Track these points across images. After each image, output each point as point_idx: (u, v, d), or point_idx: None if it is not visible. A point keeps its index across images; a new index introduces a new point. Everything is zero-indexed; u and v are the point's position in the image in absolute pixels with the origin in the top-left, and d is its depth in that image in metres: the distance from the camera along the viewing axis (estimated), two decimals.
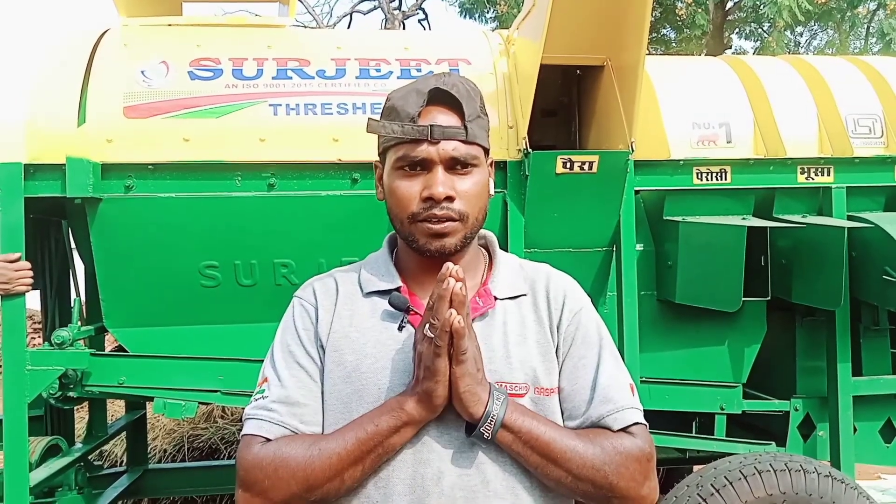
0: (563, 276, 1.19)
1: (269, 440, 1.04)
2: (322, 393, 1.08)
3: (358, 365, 1.06)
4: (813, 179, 2.68)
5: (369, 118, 1.09)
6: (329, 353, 1.09)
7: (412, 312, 1.07)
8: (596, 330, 1.13)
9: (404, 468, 1.02)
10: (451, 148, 1.05)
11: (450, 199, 1.05)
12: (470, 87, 1.10)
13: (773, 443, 2.67)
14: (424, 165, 1.06)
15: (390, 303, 1.08)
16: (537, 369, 1.07)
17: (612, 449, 1.03)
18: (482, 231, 1.19)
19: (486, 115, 1.13)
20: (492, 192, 1.15)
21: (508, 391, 1.04)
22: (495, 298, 1.11)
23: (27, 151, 2.29)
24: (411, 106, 1.06)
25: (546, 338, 1.10)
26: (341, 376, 1.07)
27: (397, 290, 1.10)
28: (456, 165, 1.06)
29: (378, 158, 1.15)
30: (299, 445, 1.03)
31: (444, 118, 1.06)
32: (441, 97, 1.06)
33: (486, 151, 1.12)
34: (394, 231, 1.15)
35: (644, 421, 1.09)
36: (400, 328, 1.07)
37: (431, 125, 1.05)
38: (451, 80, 1.08)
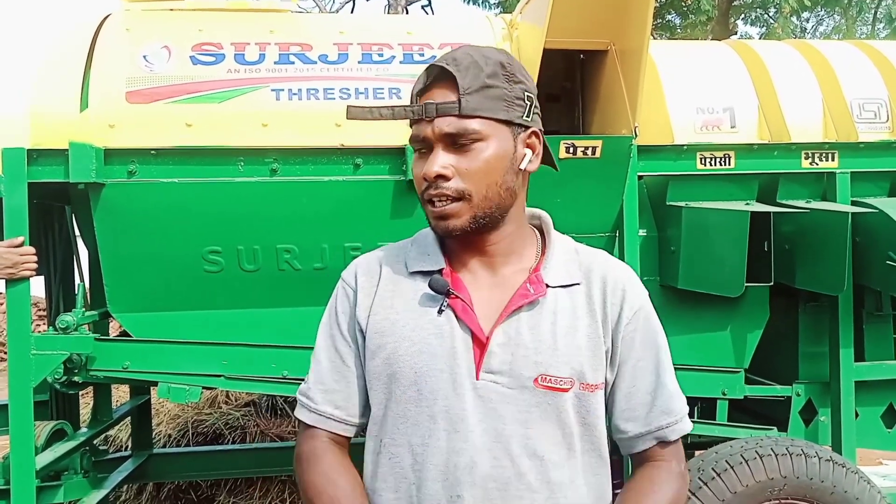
0: (622, 267, 1.13)
1: (311, 427, 1.13)
2: (365, 375, 1.10)
3: (396, 348, 1.06)
4: (817, 164, 2.67)
5: (349, 105, 1.07)
6: (370, 336, 1.09)
7: (452, 296, 1.05)
8: (654, 329, 1.10)
9: (438, 455, 1.02)
10: (445, 125, 1.01)
11: (443, 178, 1.02)
12: (481, 57, 1.03)
13: (775, 428, 2.68)
14: (427, 145, 1.04)
15: (430, 286, 1.06)
16: (584, 364, 1.04)
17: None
18: (534, 210, 1.15)
19: (511, 82, 1.04)
20: (528, 166, 1.07)
21: (553, 385, 1.02)
22: (546, 286, 1.06)
23: (30, 137, 2.29)
24: (416, 87, 1.06)
25: (597, 332, 1.06)
26: (383, 359, 1.07)
27: (439, 271, 1.08)
28: (455, 142, 1.02)
29: None
30: (318, 476, 1.09)
31: (440, 95, 1.03)
32: (440, 74, 1.03)
33: (508, 123, 1.04)
34: None
35: (691, 424, 1.13)
36: (440, 311, 1.05)
37: (425, 103, 1.02)
38: (455, 53, 1.05)
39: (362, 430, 1.14)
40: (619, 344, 1.07)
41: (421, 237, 1.15)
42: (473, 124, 1.02)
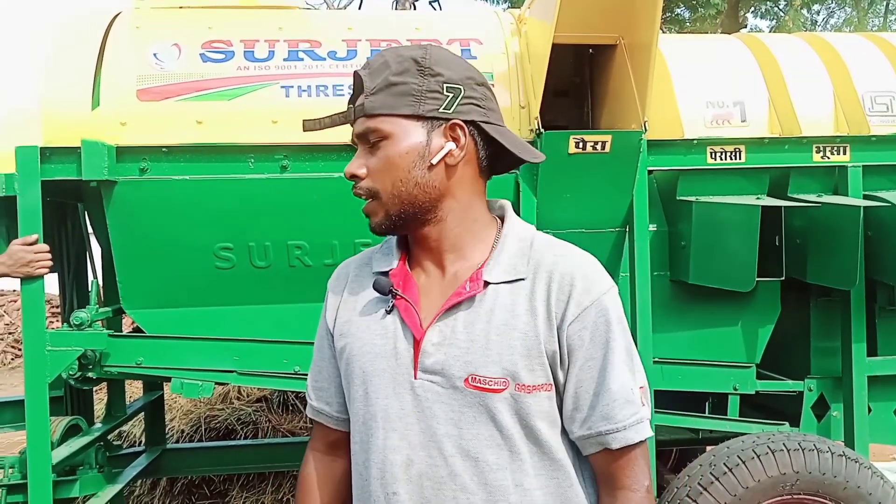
0: (578, 259, 1.06)
1: (313, 420, 1.21)
2: (339, 374, 1.14)
3: (351, 349, 1.08)
4: (828, 158, 2.65)
5: (304, 119, 1.10)
6: (336, 338, 1.13)
7: (398, 297, 1.05)
8: (606, 327, 1.02)
9: (378, 453, 1.04)
10: (357, 126, 1.05)
11: (356, 177, 1.06)
12: (393, 57, 1.03)
13: (787, 423, 2.67)
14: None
15: (374, 287, 1.07)
16: (518, 364, 0.99)
17: None
18: (499, 201, 1.12)
19: (426, 76, 1.01)
20: (441, 157, 1.02)
21: (484, 386, 0.99)
22: (486, 283, 1.03)
23: (43, 135, 2.31)
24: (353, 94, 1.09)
25: (535, 330, 1.00)
26: (345, 360, 1.10)
27: (388, 272, 1.08)
28: (367, 142, 1.04)
29: None
30: (307, 479, 1.21)
31: (358, 98, 1.05)
32: (356, 79, 1.06)
33: (417, 117, 1.01)
34: None
35: (646, 433, 1.03)
36: (386, 312, 1.06)
37: (347, 109, 1.06)
38: (374, 57, 1.07)
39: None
40: (564, 343, 1.01)
41: (390, 238, 1.14)
42: (376, 123, 1.02)
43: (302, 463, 1.23)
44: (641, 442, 1.03)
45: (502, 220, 1.11)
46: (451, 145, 1.03)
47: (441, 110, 1.02)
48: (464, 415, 1.01)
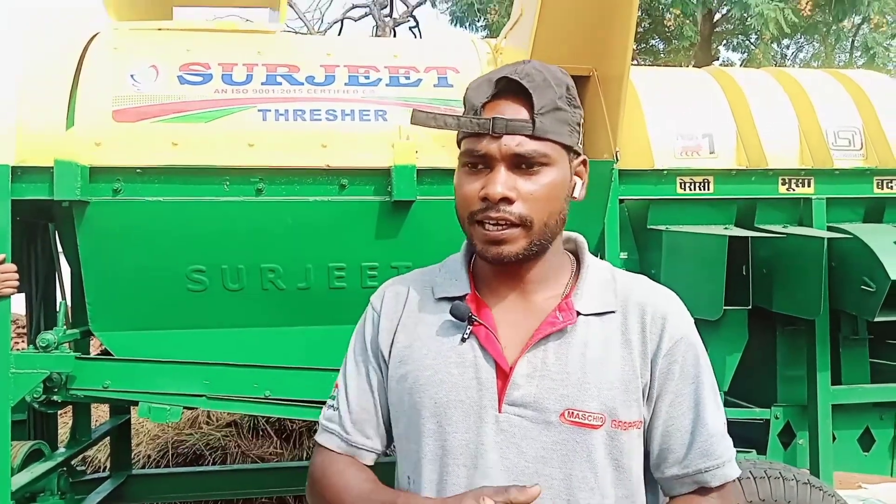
0: (663, 293, 1.04)
1: (333, 451, 1.08)
2: (387, 403, 1.06)
3: (417, 377, 1.01)
4: (794, 190, 2.73)
5: (414, 109, 1.01)
6: (392, 365, 1.04)
7: (476, 324, 0.98)
8: (695, 362, 1.00)
9: (458, 491, 0.95)
10: (514, 144, 0.94)
11: (508, 200, 0.94)
12: (551, 76, 0.97)
13: (754, 450, 2.70)
14: (486, 162, 0.96)
15: (451, 312, 1.00)
16: (616, 399, 0.95)
17: None
18: (570, 234, 1.09)
19: (574, 107, 0.99)
20: (578, 194, 1.02)
21: (581, 421, 0.94)
22: (577, 314, 0.98)
23: (15, 154, 2.29)
24: (479, 96, 0.97)
25: (632, 364, 0.97)
26: (405, 388, 1.02)
27: (463, 297, 1.02)
28: (521, 164, 0.95)
29: None
30: (342, 479, 1.04)
31: (510, 110, 0.95)
32: (510, 87, 0.96)
33: (568, 149, 0.99)
34: None
35: (738, 469, 1.02)
36: (463, 339, 0.99)
37: (494, 117, 0.94)
38: (526, 68, 0.97)
39: (385, 455, 1.11)
40: (656, 377, 0.98)
41: (450, 262, 1.09)
42: (545, 147, 0.95)
43: (324, 479, 1.06)
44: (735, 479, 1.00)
45: (571, 253, 1.09)
46: (578, 180, 1.03)
47: (578, 144, 1.01)
48: (556, 452, 0.95)
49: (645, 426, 0.99)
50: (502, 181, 0.94)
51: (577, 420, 0.94)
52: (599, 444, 0.95)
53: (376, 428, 1.07)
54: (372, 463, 1.08)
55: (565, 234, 1.08)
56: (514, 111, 0.95)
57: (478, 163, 0.97)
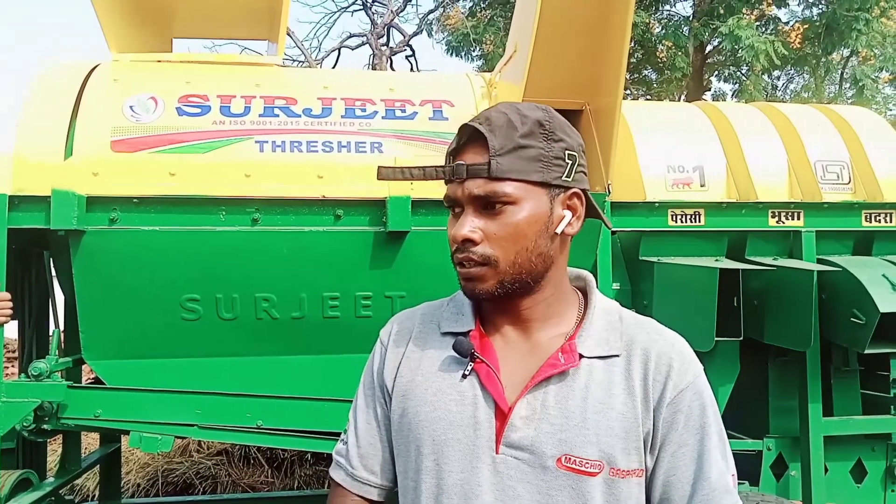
0: (670, 338, 1.01)
1: (343, 488, 1.09)
2: (391, 438, 1.06)
3: (417, 412, 1.00)
4: (783, 223, 2.76)
5: (379, 166, 1.03)
6: (395, 399, 1.04)
7: (478, 360, 0.98)
8: (701, 412, 0.97)
9: None
10: (474, 187, 0.96)
11: (472, 241, 0.96)
12: (517, 116, 0.97)
13: (746, 482, 2.70)
14: (460, 205, 0.99)
15: (454, 348, 0.99)
16: (616, 446, 0.93)
17: None
18: (579, 271, 1.08)
19: (550, 141, 0.97)
20: (566, 229, 0.99)
21: (578, 468, 0.92)
22: (581, 356, 0.97)
23: (13, 183, 2.31)
24: (451, 146, 1.01)
25: (634, 411, 0.95)
26: (406, 423, 1.01)
27: (467, 333, 1.01)
28: (486, 205, 0.96)
29: None
30: None
31: (470, 156, 0.97)
32: (473, 133, 0.98)
33: (543, 184, 0.97)
34: None
35: None
36: (463, 376, 0.98)
37: (456, 164, 0.97)
38: (488, 112, 0.99)
39: (393, 491, 1.10)
40: (660, 427, 0.95)
41: (458, 297, 1.08)
42: (504, 187, 0.95)
43: None
44: None
45: (579, 290, 1.07)
46: (569, 214, 0.99)
47: (563, 178, 0.98)
48: (552, 498, 0.93)
49: (647, 475, 0.97)
50: (467, 223, 0.97)
51: (573, 466, 0.93)
52: (597, 491, 0.93)
53: (382, 463, 1.07)
54: (379, 498, 1.07)
55: (574, 271, 1.07)
56: (473, 156, 0.97)
57: (454, 206, 1.00)
